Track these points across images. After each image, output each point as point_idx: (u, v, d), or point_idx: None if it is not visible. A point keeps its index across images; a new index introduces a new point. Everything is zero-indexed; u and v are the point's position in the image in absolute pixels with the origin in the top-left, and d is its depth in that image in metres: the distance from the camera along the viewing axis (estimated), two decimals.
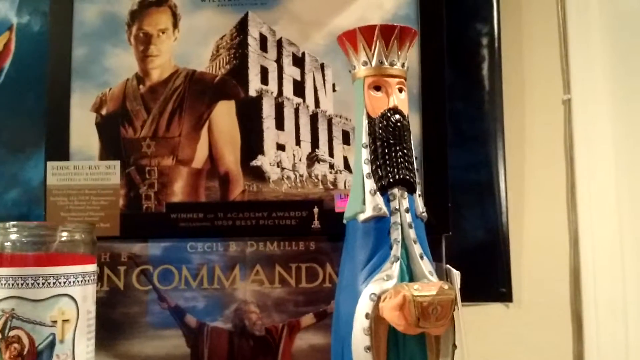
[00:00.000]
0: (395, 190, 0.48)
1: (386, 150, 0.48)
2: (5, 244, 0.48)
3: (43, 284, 0.47)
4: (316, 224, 0.57)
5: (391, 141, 0.48)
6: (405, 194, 0.48)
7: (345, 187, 0.58)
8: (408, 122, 0.49)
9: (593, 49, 0.76)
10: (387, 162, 0.48)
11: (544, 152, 0.82)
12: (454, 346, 0.47)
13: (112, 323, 0.56)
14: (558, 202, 0.80)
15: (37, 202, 0.85)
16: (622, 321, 0.77)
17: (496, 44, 0.74)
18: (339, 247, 0.57)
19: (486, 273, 0.72)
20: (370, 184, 0.48)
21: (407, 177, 0.48)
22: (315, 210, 0.57)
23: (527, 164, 0.86)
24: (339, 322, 0.48)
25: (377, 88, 0.49)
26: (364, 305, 0.45)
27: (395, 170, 0.48)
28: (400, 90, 0.49)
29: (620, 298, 0.77)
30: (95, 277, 0.51)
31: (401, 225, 0.48)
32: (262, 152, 0.58)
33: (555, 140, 0.83)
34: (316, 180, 0.58)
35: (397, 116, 0.48)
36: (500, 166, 0.73)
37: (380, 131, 0.48)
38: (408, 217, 0.48)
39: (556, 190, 0.80)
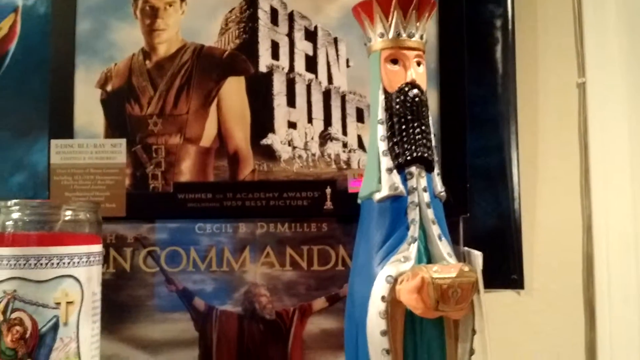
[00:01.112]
0: (413, 169, 0.46)
1: (403, 127, 0.46)
2: (7, 223, 0.46)
3: (46, 264, 0.45)
4: (329, 204, 0.55)
5: (409, 117, 0.46)
6: (423, 172, 0.46)
7: (359, 166, 0.55)
8: (426, 98, 0.47)
9: (608, 32, 0.74)
10: (405, 139, 0.46)
11: (558, 137, 0.80)
12: (474, 331, 0.45)
13: (117, 306, 0.55)
14: (571, 187, 0.79)
15: (43, 185, 0.83)
16: (635, 308, 0.76)
17: (510, 26, 0.72)
18: (352, 228, 0.55)
19: (498, 259, 0.70)
20: (386, 162, 0.46)
21: (425, 155, 0.46)
22: (328, 190, 0.55)
23: (540, 149, 0.85)
24: (353, 306, 0.46)
25: (394, 61, 0.47)
26: (380, 288, 0.44)
27: (413, 147, 0.46)
28: (419, 63, 0.47)
29: (634, 285, 0.75)
30: (101, 258, 0.49)
31: (419, 205, 0.46)
32: (272, 130, 0.56)
33: (569, 124, 0.81)
34: (329, 159, 0.56)
35: (415, 91, 0.46)
36: (513, 151, 0.72)
37: (397, 107, 0.46)
38: (426, 197, 0.46)
39: (570, 175, 0.78)
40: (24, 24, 0.80)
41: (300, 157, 0.56)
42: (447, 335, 0.45)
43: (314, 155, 0.56)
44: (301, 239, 0.55)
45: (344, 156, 0.56)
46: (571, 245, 0.81)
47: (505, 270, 0.70)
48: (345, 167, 0.56)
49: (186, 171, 0.56)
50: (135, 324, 0.55)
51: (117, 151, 0.56)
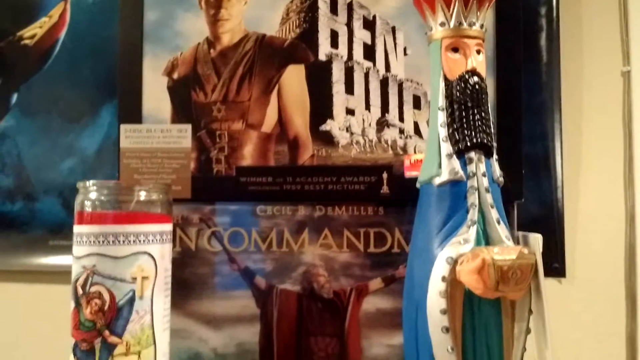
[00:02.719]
0: (472, 154, 0.47)
1: (463, 114, 0.47)
2: (86, 202, 0.49)
3: (123, 241, 0.48)
4: (385, 189, 0.57)
5: (469, 104, 0.47)
6: (483, 157, 0.48)
7: (415, 152, 0.57)
8: (486, 85, 0.48)
9: None
10: (465, 125, 0.47)
11: (602, 125, 0.80)
12: (530, 311, 0.46)
13: (183, 283, 0.57)
14: (615, 176, 0.78)
15: (92, 171, 0.87)
16: None
17: (554, 14, 0.72)
18: (407, 213, 0.57)
19: None
20: (446, 148, 0.48)
21: (485, 141, 0.47)
22: (385, 175, 0.57)
23: (584, 138, 0.84)
24: (412, 287, 0.48)
25: (455, 50, 0.48)
26: (440, 269, 0.45)
27: (473, 133, 0.47)
28: (479, 52, 0.48)
29: None
30: (171, 236, 0.52)
31: (478, 189, 0.47)
32: (331, 117, 0.58)
33: (614, 113, 0.80)
34: (386, 145, 0.57)
35: (476, 78, 0.47)
36: (557, 139, 0.72)
37: (457, 94, 0.47)
38: (485, 182, 0.47)
39: (613, 164, 0.78)
40: (73, 12, 0.84)
41: (357, 143, 0.58)
42: (504, 315, 0.47)
43: (371, 141, 0.57)
44: (358, 222, 0.57)
45: (400, 142, 0.57)
46: (614, 234, 0.80)
47: (547, 258, 0.71)
48: (401, 153, 0.57)
49: (248, 156, 0.59)
50: (200, 301, 0.58)
51: (182, 136, 0.59)
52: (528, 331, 0.46)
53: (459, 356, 0.45)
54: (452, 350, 0.45)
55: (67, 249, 1.11)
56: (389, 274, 0.57)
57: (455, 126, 0.48)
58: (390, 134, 0.58)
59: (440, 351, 0.45)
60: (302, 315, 0.57)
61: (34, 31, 0.86)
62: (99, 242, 0.48)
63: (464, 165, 0.47)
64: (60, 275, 1.07)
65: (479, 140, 0.47)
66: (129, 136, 0.59)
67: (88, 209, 0.49)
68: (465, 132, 0.47)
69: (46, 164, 1.09)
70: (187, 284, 0.58)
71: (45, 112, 1.09)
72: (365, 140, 0.57)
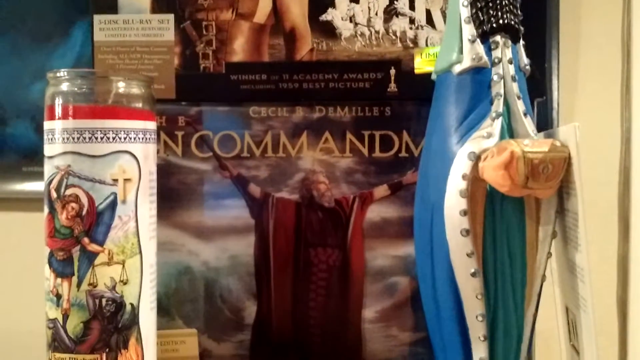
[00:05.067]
0: (498, 38, 0.42)
1: None
2: (57, 95, 0.43)
3: (101, 138, 0.42)
4: (392, 87, 0.52)
5: None
6: (509, 42, 0.42)
7: (427, 45, 0.51)
8: None
9: None
10: (490, 4, 0.42)
11: (600, 45, 0.76)
12: (557, 213, 0.42)
13: (169, 192, 0.52)
14: (612, 98, 0.76)
15: None
16: None
17: None
18: (417, 113, 0.52)
19: None
20: (469, 30, 0.42)
21: (512, 23, 0.42)
22: (392, 71, 0.52)
23: (581, 59, 0.81)
24: (427, 188, 0.44)
25: None
26: (460, 166, 0.41)
27: (499, 13, 0.42)
28: None
29: None
30: (155, 136, 0.46)
31: (503, 78, 0.42)
32: (333, 5, 0.52)
33: (612, 33, 0.77)
34: (394, 37, 0.51)
35: None
36: (554, 60, 0.68)
37: None
38: (511, 69, 0.42)
39: (610, 86, 0.75)
40: None
41: (362, 34, 0.52)
42: (528, 217, 0.42)
43: (377, 32, 0.51)
44: (362, 124, 0.52)
45: (410, 33, 0.51)
46: (609, 158, 0.78)
47: None
48: (411, 45, 0.51)
49: (239, 50, 0.52)
50: (188, 211, 0.53)
51: (164, 27, 0.52)
52: (554, 235, 0.42)
53: (479, 261, 0.41)
54: (472, 255, 0.41)
55: (41, 175, 1.06)
56: (395, 180, 0.52)
57: (479, 5, 0.42)
58: (399, 24, 0.52)
59: (458, 256, 0.41)
60: (300, 226, 0.52)
61: None
62: (73, 139, 0.42)
63: (489, 50, 0.42)
64: (35, 202, 1.02)
65: (506, 21, 0.42)
66: (104, 28, 0.53)
67: (60, 102, 0.43)
68: (491, 12, 0.42)
69: (16, 86, 1.02)
70: (173, 193, 0.53)
71: (14, 31, 1.01)
72: (370, 32, 0.51)
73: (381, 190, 0.52)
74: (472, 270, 0.41)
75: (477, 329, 0.42)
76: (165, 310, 0.52)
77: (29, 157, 1.04)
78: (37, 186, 1.03)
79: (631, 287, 0.82)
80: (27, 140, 1.05)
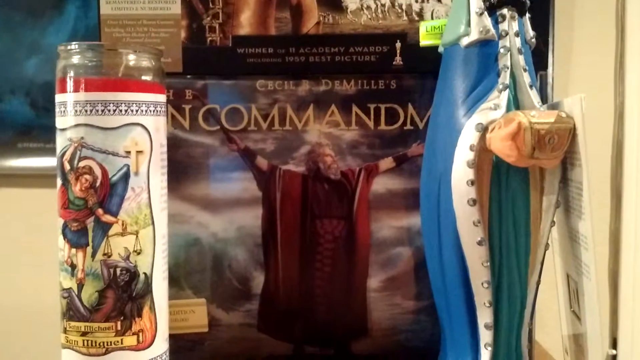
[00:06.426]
0: (505, 11, 0.43)
1: None
2: (68, 67, 0.43)
3: (114, 110, 0.43)
4: (398, 60, 0.52)
5: None
6: (516, 15, 0.43)
7: (432, 18, 0.52)
8: None
9: None
10: None
11: (594, 20, 0.77)
12: (561, 183, 0.43)
13: (177, 165, 0.53)
14: (605, 72, 0.76)
15: None
16: None
17: None
18: (423, 86, 0.53)
19: None
20: (476, 3, 0.43)
21: None
22: (398, 44, 0.52)
23: (575, 33, 0.81)
24: (434, 159, 0.45)
25: None
26: (468, 137, 0.42)
27: None
28: None
29: None
30: (166, 109, 0.47)
31: (510, 50, 0.43)
32: None
33: (606, 7, 0.77)
34: (400, 10, 0.52)
35: None
36: (550, 34, 0.68)
37: None
38: (518, 42, 0.43)
39: (604, 60, 0.76)
40: None
41: (368, 7, 0.52)
42: (533, 187, 0.44)
43: (383, 5, 0.52)
44: (368, 97, 0.53)
45: (416, 6, 0.52)
46: (602, 132, 0.79)
47: None
48: (417, 18, 0.52)
49: (245, 24, 0.53)
50: (196, 184, 0.53)
51: (171, 1, 0.52)
52: (558, 204, 0.44)
53: (485, 229, 0.42)
54: (479, 224, 0.42)
55: (37, 152, 1.06)
56: (400, 152, 0.53)
57: None
58: None
59: (465, 224, 0.42)
60: (307, 197, 0.53)
61: None
62: (85, 111, 0.43)
63: (495, 23, 0.43)
64: (31, 178, 1.02)
65: None
66: (110, 1, 0.53)
67: (71, 74, 0.43)
68: None
69: (10, 62, 1.01)
70: (181, 165, 0.53)
71: (7, 6, 1.00)
72: (377, 5, 0.52)
73: (386, 163, 0.53)
74: (479, 239, 0.42)
75: (482, 296, 0.43)
76: (175, 281, 0.53)
77: (24, 133, 1.03)
78: (32, 162, 1.03)
79: (622, 260, 0.84)
80: (21, 116, 1.04)
